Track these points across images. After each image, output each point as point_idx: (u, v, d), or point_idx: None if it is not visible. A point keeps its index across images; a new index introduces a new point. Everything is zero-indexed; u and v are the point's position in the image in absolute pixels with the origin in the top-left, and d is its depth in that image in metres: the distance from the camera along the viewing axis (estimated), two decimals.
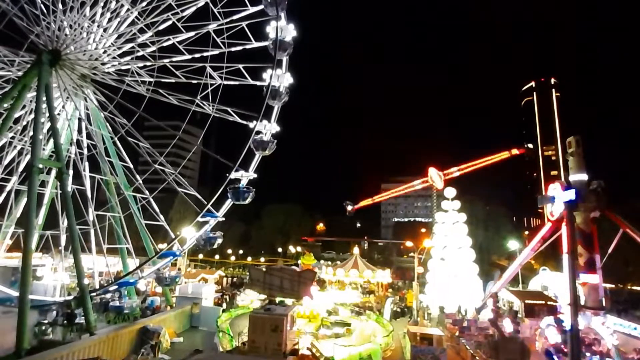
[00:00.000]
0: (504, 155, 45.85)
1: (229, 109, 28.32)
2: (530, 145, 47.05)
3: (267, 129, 27.02)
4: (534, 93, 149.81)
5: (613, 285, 47.60)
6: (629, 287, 51.83)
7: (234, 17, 27.27)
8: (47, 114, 25.74)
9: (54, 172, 28.56)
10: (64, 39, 27.20)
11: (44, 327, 22.76)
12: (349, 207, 54.53)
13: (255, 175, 26.96)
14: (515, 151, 47.00)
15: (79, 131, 30.35)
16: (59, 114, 28.93)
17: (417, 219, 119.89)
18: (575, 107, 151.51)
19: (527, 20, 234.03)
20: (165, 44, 28.66)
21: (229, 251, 76.05)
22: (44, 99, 24.87)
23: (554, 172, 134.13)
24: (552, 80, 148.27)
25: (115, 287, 27.51)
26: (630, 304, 39.23)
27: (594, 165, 24.15)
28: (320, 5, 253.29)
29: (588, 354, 19.86)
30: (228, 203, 26.48)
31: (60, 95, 28.22)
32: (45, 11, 27.11)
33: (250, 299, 36.47)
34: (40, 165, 23.51)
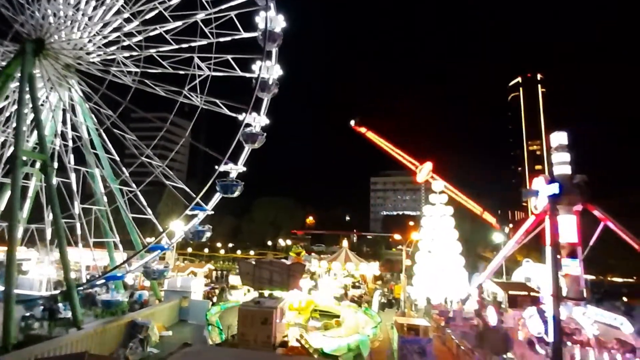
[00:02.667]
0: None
1: (217, 101, 28.03)
2: (353, 121, 56.69)
3: (257, 121, 26.81)
4: (520, 88, 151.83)
5: (594, 277, 49.13)
6: (608, 279, 53.55)
7: (223, 7, 26.85)
8: (31, 105, 25.12)
9: (38, 165, 27.94)
10: (47, 28, 26.46)
11: (30, 322, 22.47)
12: (353, 122, 57.65)
13: (245, 169, 26.81)
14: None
15: (64, 123, 29.76)
16: (42, 105, 28.18)
17: (405, 212, 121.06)
18: (561, 103, 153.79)
19: (521, 20, 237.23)
20: (151, 34, 28.07)
21: (219, 244, 75.71)
22: (27, 89, 24.27)
23: (538, 167, 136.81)
24: (539, 76, 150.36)
25: (103, 281, 27.27)
26: (607, 294, 40.37)
27: (578, 160, 24.77)
28: None
29: (569, 343, 20.50)
30: (217, 196, 26.34)
31: (44, 85, 27.52)
32: None
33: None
34: (24, 158, 23.02)
